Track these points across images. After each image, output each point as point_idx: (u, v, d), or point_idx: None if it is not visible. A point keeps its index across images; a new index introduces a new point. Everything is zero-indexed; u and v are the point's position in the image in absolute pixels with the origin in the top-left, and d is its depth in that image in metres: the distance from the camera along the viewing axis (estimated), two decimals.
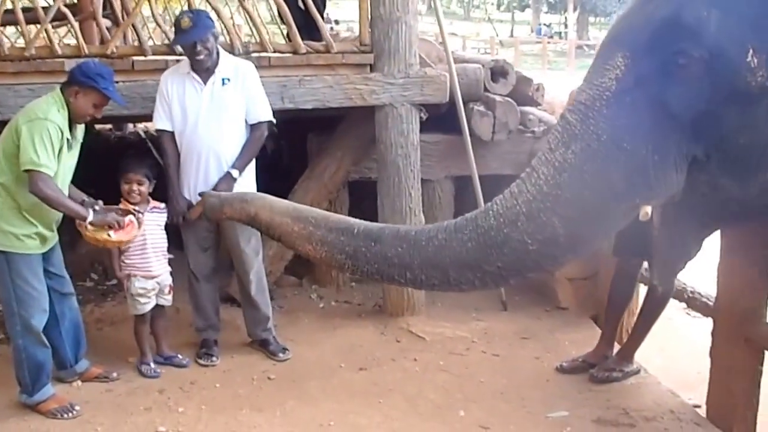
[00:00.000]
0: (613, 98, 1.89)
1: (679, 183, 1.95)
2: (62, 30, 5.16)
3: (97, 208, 3.10)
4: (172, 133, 3.40)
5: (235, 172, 3.34)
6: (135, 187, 3.30)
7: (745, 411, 2.95)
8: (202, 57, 3.26)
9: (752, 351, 2.91)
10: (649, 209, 1.98)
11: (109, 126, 5.60)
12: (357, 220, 2.15)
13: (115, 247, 3.23)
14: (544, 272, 2.16)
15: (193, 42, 3.24)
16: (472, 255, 1.95)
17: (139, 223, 3.18)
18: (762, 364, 2.92)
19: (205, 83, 3.34)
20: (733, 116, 1.87)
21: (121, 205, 3.25)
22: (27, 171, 2.85)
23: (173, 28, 3.49)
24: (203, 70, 3.32)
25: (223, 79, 3.34)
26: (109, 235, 3.07)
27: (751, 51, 1.80)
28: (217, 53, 3.35)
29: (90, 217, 3.01)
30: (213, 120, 3.34)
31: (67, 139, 2.96)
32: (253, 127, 3.41)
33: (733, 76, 1.83)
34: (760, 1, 1.83)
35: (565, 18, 33.59)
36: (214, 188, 3.31)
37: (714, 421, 3.02)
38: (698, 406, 3.21)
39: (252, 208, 2.21)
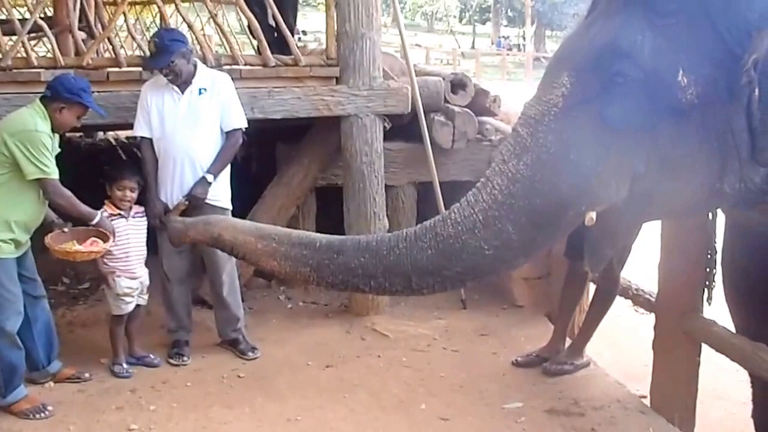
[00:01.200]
0: (560, 113, 2.01)
1: (623, 191, 2.07)
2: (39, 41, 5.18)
3: (66, 230, 3.18)
4: (151, 140, 3.49)
5: (210, 177, 3.43)
6: (128, 193, 3.37)
7: (685, 399, 3.11)
8: (170, 78, 3.39)
9: (691, 344, 3.06)
10: (594, 215, 2.09)
11: (79, 133, 5.61)
12: (319, 235, 2.19)
13: (84, 259, 3.24)
14: (500, 275, 2.25)
15: (158, 67, 3.38)
16: (432, 262, 2.02)
17: (104, 240, 3.20)
18: (700, 356, 3.07)
19: (182, 93, 3.45)
20: (668, 130, 2.01)
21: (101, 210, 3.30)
22: (38, 180, 2.94)
23: (145, 39, 3.59)
24: (181, 82, 3.44)
25: (200, 90, 3.45)
26: (77, 249, 3.12)
27: (681, 71, 1.97)
28: (195, 66, 3.46)
29: (97, 218, 3.15)
30: (189, 127, 3.44)
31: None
32: (228, 135, 3.51)
33: (666, 93, 1.98)
34: (687, 27, 2.00)
35: (523, 31, 34.18)
36: (190, 192, 3.42)
37: (657, 409, 3.17)
38: (645, 397, 3.34)
39: (215, 229, 2.19)
